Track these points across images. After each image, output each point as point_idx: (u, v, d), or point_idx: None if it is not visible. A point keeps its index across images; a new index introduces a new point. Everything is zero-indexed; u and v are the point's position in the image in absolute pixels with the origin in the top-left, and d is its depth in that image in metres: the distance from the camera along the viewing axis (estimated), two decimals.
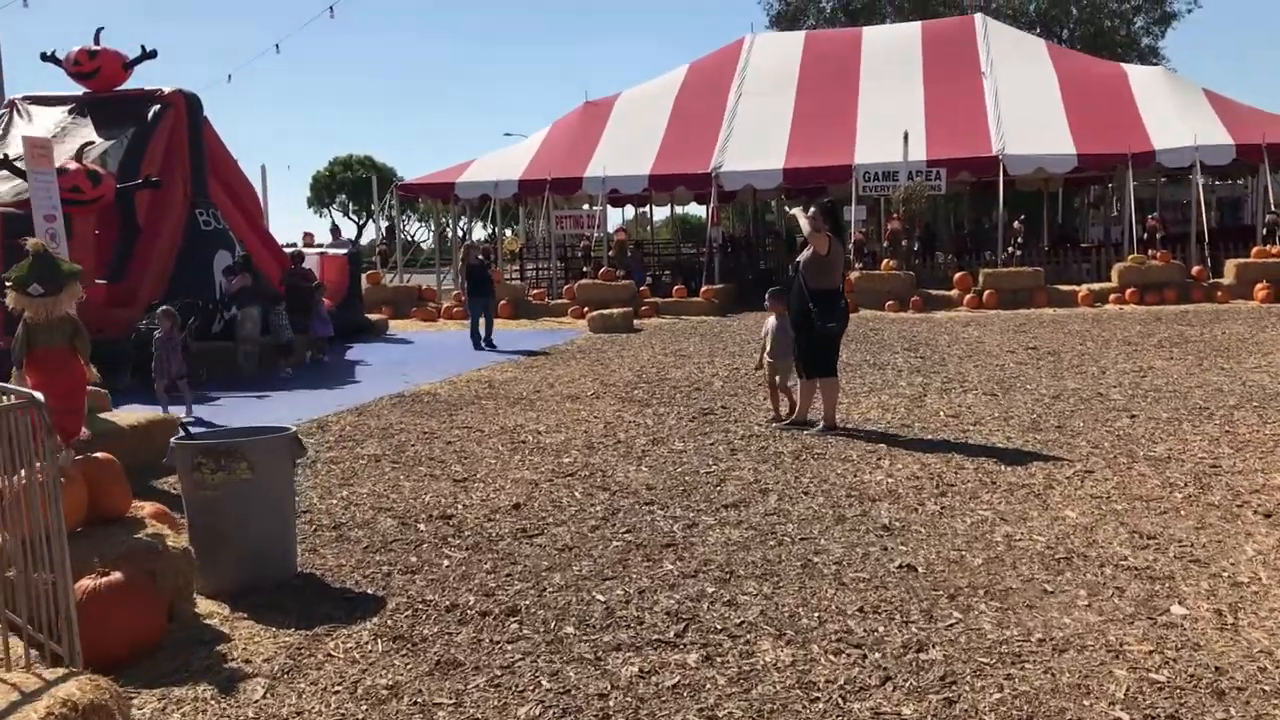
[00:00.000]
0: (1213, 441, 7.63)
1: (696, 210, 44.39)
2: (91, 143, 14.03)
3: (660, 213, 41.49)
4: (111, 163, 14.44)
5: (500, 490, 6.87)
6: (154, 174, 14.15)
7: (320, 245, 23.02)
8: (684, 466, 7.37)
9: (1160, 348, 13.34)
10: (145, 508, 5.40)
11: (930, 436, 8.18)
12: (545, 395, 11.14)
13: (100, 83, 15.72)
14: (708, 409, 9.87)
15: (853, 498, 6.32)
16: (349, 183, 71.55)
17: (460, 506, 6.49)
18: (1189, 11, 43.87)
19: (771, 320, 9.03)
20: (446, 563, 5.34)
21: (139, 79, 16.04)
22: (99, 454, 4.70)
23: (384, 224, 36.03)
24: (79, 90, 15.93)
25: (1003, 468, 6.99)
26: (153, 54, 15.83)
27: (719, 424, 9.04)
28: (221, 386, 12.69)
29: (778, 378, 8.94)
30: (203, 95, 15.82)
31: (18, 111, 15.87)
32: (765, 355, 9.02)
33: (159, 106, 15.05)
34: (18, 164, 12.17)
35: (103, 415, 8.25)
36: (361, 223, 71.47)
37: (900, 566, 5.01)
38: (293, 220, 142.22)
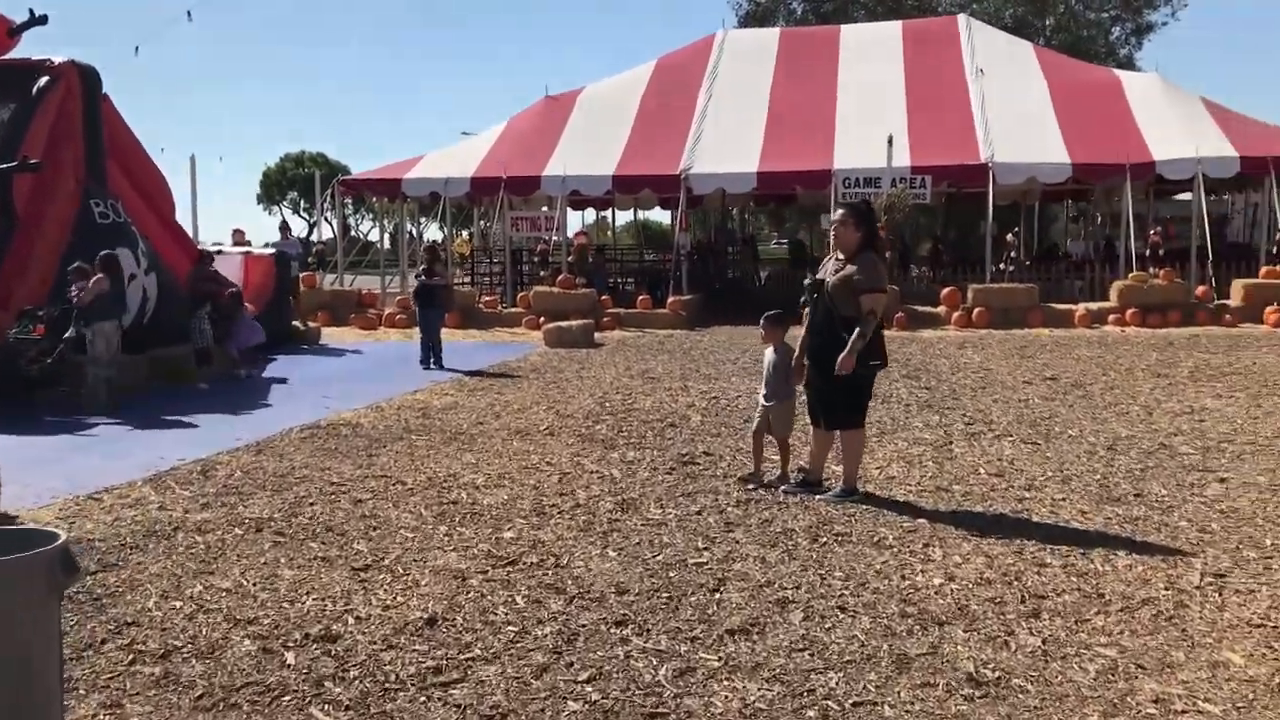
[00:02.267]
0: None
1: (657, 216, 42.62)
2: None
3: (622, 217, 39.52)
4: None
5: (413, 589, 4.96)
6: (36, 157, 12.04)
7: (269, 243, 21.48)
8: (665, 551, 5.48)
9: (1196, 381, 11.68)
10: None
11: (979, 508, 6.35)
12: (489, 429, 9.24)
13: None
14: (687, 455, 8.01)
15: (909, 617, 4.46)
16: (300, 180, 68.89)
17: (353, 619, 4.57)
18: (1164, 24, 42.67)
19: (769, 353, 7.12)
20: None
21: (28, 48, 13.89)
22: None
23: (335, 222, 33.97)
24: None
25: (1098, 565, 5.17)
26: (43, 19, 13.58)
27: (704, 479, 7.18)
28: (99, 410, 10.64)
29: (771, 427, 6.96)
30: (105, 71, 13.72)
31: None
32: (760, 398, 7.11)
33: (46, 79, 12.89)
34: None
35: None
36: (313, 221, 68.99)
37: None
38: (232, 217, 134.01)
